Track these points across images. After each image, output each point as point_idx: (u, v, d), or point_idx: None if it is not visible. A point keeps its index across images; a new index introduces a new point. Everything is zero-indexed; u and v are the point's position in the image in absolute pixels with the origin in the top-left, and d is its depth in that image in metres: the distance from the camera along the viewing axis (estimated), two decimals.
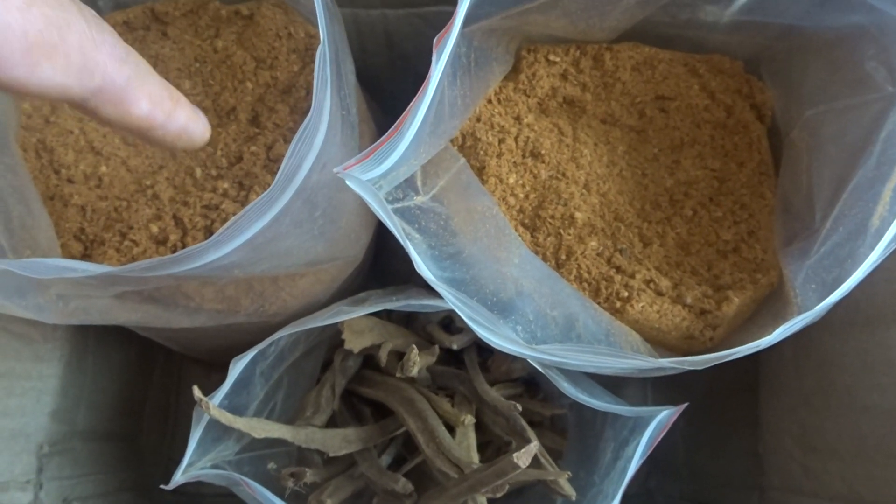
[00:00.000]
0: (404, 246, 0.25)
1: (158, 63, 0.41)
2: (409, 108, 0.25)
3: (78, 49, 0.21)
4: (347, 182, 0.24)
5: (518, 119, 0.40)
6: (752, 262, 0.38)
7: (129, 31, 0.43)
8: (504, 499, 0.37)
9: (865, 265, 0.27)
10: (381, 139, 0.25)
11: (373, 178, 0.25)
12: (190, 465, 0.31)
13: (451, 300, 0.26)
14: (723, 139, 0.42)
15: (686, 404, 0.32)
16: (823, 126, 0.37)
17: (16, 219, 0.32)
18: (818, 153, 0.36)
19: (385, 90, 0.55)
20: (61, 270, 0.25)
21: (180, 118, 0.25)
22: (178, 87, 0.41)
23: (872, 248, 0.27)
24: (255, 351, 0.32)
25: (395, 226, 0.25)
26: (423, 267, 0.26)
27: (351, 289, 0.46)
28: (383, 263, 0.54)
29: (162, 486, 0.30)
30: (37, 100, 0.32)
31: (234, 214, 0.36)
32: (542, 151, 0.40)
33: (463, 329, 0.42)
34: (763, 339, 0.28)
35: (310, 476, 0.34)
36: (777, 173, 0.41)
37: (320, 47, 0.26)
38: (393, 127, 0.25)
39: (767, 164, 0.41)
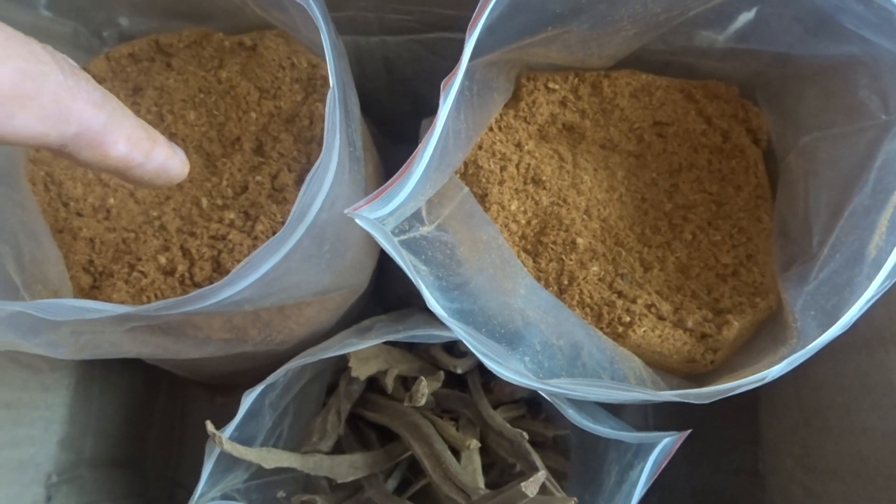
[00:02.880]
0: (415, 283, 0.26)
1: (163, 94, 0.42)
2: (417, 149, 0.26)
3: (53, 98, 0.22)
4: (357, 221, 0.25)
5: (519, 146, 0.41)
6: (750, 285, 0.39)
7: (134, 63, 0.43)
8: None
9: (865, 297, 0.27)
10: (391, 180, 0.25)
11: (381, 216, 0.26)
12: (201, 496, 0.31)
13: (462, 335, 0.27)
14: (720, 163, 0.43)
15: (689, 431, 0.33)
16: (819, 152, 0.37)
17: (27, 254, 0.32)
18: (814, 179, 0.37)
19: (385, 114, 0.55)
20: (79, 311, 0.25)
21: (158, 157, 0.26)
22: (182, 117, 0.41)
23: (870, 277, 0.28)
24: (266, 384, 0.33)
25: (405, 263, 0.25)
26: (434, 304, 0.26)
27: (354, 314, 0.47)
28: (384, 287, 0.54)
29: None
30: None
31: (241, 244, 0.37)
32: (543, 178, 0.40)
33: (466, 353, 0.43)
34: (769, 371, 0.28)
35: (319, 503, 0.35)
36: (774, 197, 0.42)
37: (330, 92, 0.26)
38: (402, 168, 0.25)
39: (764, 188, 0.42)
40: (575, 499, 0.34)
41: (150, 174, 0.26)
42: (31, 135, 0.21)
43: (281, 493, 0.35)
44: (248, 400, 0.32)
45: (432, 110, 0.48)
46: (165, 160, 0.26)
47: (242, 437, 0.33)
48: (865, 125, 0.35)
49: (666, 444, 0.32)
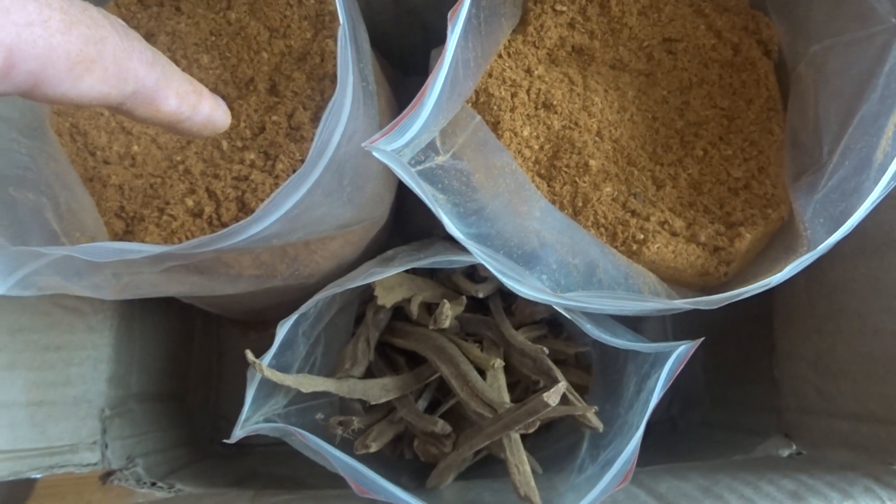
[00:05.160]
0: (434, 211, 0.27)
1: (176, 39, 0.42)
2: (427, 81, 0.26)
3: (113, 60, 0.23)
4: (375, 154, 0.26)
5: (529, 71, 0.41)
6: (762, 197, 0.40)
7: (144, 9, 0.44)
8: (535, 433, 0.39)
9: (869, 201, 0.28)
10: (404, 112, 0.26)
11: (397, 148, 0.27)
12: (246, 420, 0.34)
13: (481, 256, 0.28)
14: (731, 77, 0.43)
15: (702, 339, 0.34)
16: (829, 61, 0.37)
17: (63, 203, 0.34)
18: (824, 88, 0.37)
19: (394, 46, 0.55)
20: (120, 253, 0.27)
21: (205, 109, 0.28)
22: (196, 61, 0.42)
23: (876, 181, 0.29)
24: (299, 313, 0.35)
25: (423, 192, 0.26)
26: (452, 228, 0.28)
27: (377, 245, 0.48)
28: (404, 218, 0.55)
29: (224, 441, 0.32)
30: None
31: (263, 184, 0.38)
32: (554, 102, 0.41)
33: (487, 278, 0.44)
34: (773, 277, 0.29)
35: (356, 423, 0.37)
36: (785, 108, 0.42)
37: (340, 30, 0.27)
38: (415, 100, 0.26)
39: (775, 100, 0.42)
40: (595, 407, 0.36)
41: (198, 126, 0.27)
42: (95, 95, 0.23)
43: (319, 416, 0.38)
44: (283, 329, 0.34)
45: (441, 40, 0.48)
46: (211, 112, 0.27)
47: (279, 366, 0.35)
48: (875, 30, 0.35)
49: (680, 352, 0.33)
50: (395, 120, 0.26)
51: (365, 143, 0.25)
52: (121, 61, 0.23)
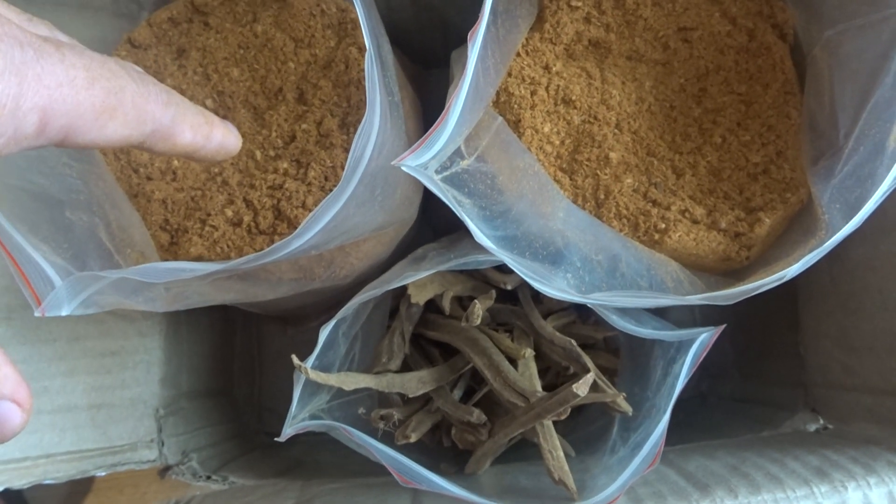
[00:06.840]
0: (462, 220, 0.28)
1: (206, 54, 0.44)
2: (450, 97, 0.28)
3: (132, 106, 0.25)
4: (404, 169, 0.27)
5: (547, 68, 0.42)
6: (781, 182, 0.40)
7: (175, 26, 0.45)
8: (566, 417, 0.41)
9: (881, 190, 0.29)
10: (430, 130, 0.28)
11: (424, 161, 0.29)
12: (294, 417, 0.36)
13: (508, 261, 0.30)
14: (747, 63, 0.43)
15: (724, 326, 0.35)
16: (843, 45, 0.38)
17: (113, 221, 0.36)
18: (839, 72, 0.38)
19: (413, 41, 0.57)
20: (176, 273, 0.29)
21: (217, 137, 0.30)
22: (227, 75, 0.44)
23: (889, 169, 0.29)
24: (338, 318, 0.36)
25: (451, 202, 0.28)
26: (480, 236, 0.29)
27: (408, 240, 0.50)
28: (431, 211, 0.57)
29: (276, 439, 0.35)
30: None
31: (297, 191, 0.40)
32: (573, 97, 0.42)
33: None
34: (788, 270, 0.30)
35: (397, 416, 0.39)
36: (802, 91, 0.42)
37: (367, 54, 0.28)
38: (440, 117, 0.28)
39: (792, 84, 0.42)
40: (623, 394, 0.37)
41: (212, 153, 0.29)
42: (118, 139, 0.25)
43: (361, 410, 0.40)
44: (324, 333, 0.36)
45: (459, 36, 0.49)
46: (223, 138, 0.30)
47: (322, 366, 0.37)
48: (889, 14, 0.35)
49: (703, 339, 0.35)
50: (423, 138, 0.28)
51: (394, 161, 0.27)
52: (139, 106, 0.26)
